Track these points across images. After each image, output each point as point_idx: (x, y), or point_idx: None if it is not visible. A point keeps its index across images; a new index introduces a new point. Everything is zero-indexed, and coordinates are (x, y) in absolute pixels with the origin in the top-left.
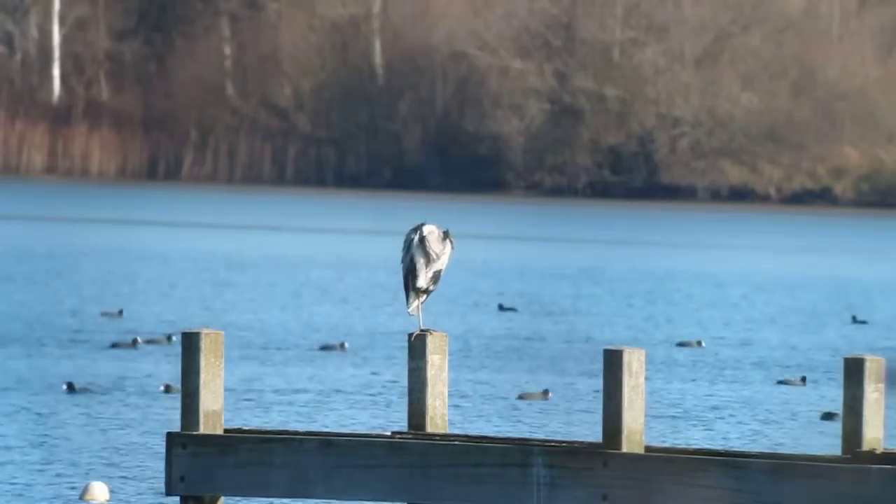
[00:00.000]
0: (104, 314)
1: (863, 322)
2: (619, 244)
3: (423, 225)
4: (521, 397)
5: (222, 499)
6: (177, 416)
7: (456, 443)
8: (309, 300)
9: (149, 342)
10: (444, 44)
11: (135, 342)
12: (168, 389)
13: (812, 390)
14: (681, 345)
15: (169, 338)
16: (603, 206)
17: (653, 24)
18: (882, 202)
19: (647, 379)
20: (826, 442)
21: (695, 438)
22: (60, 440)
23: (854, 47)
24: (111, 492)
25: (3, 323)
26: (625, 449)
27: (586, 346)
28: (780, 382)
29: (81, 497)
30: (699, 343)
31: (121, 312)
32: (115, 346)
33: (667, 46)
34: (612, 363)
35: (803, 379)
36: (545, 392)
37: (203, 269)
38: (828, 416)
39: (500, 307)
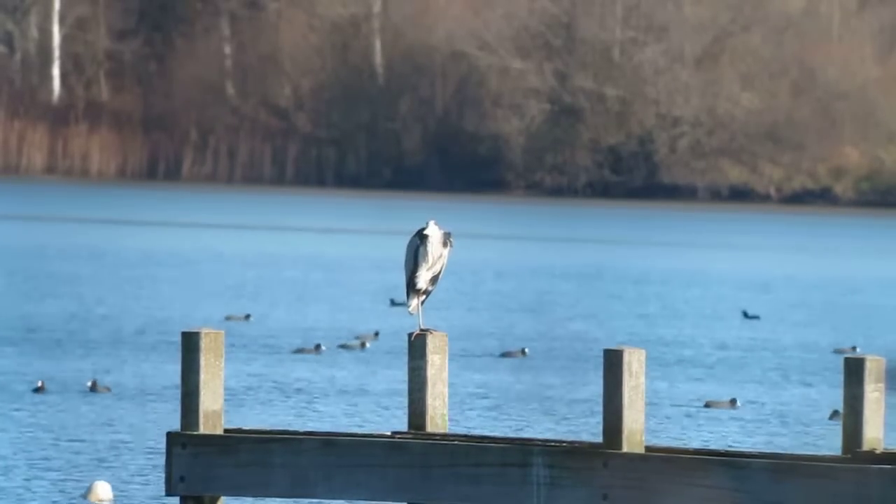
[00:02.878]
0: (230, 318)
1: (755, 317)
2: (619, 244)
3: (426, 227)
4: (707, 405)
5: (222, 499)
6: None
7: (456, 443)
8: (309, 300)
9: (342, 347)
10: (444, 44)
11: (318, 347)
12: (94, 387)
13: (808, 390)
14: (681, 344)
15: (363, 344)
16: (603, 206)
17: (653, 24)
18: (882, 202)
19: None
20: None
21: (695, 438)
22: (65, 439)
23: (854, 47)
24: (115, 491)
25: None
26: (625, 449)
27: (585, 346)
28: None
29: (85, 496)
30: (698, 343)
31: (248, 317)
32: (299, 351)
33: (667, 46)
34: (612, 363)
35: (523, 350)
36: (733, 401)
37: (204, 269)
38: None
39: (392, 302)
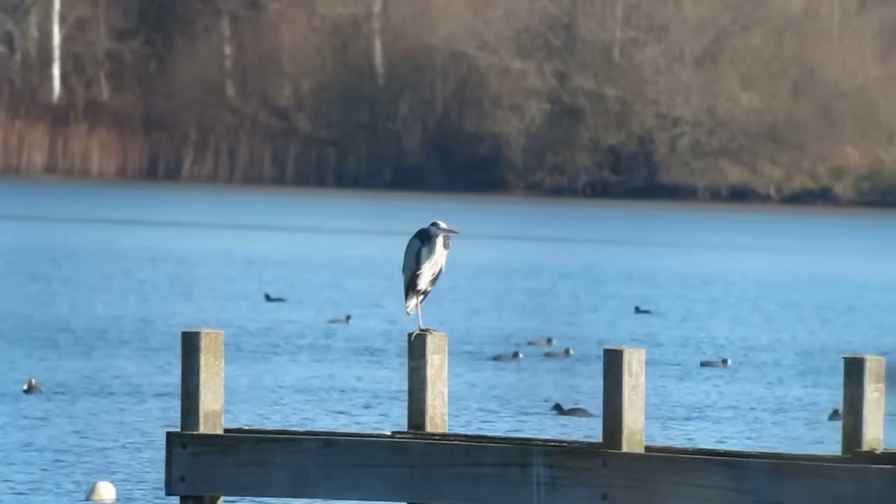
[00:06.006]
0: (332, 321)
1: (646, 312)
2: (619, 244)
3: (427, 228)
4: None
5: (222, 499)
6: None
7: (456, 443)
8: (308, 299)
9: (546, 355)
10: (444, 44)
11: (516, 355)
12: (30, 388)
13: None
14: (680, 346)
15: (567, 351)
16: (603, 206)
17: (653, 24)
18: (882, 202)
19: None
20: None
21: (695, 438)
22: (69, 439)
23: (854, 47)
24: (117, 492)
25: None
26: (625, 449)
27: (585, 346)
28: (702, 365)
29: (88, 497)
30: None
31: (348, 318)
32: (496, 358)
33: (667, 46)
34: (612, 363)
35: (724, 361)
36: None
37: (203, 269)
38: (835, 415)
39: (267, 297)
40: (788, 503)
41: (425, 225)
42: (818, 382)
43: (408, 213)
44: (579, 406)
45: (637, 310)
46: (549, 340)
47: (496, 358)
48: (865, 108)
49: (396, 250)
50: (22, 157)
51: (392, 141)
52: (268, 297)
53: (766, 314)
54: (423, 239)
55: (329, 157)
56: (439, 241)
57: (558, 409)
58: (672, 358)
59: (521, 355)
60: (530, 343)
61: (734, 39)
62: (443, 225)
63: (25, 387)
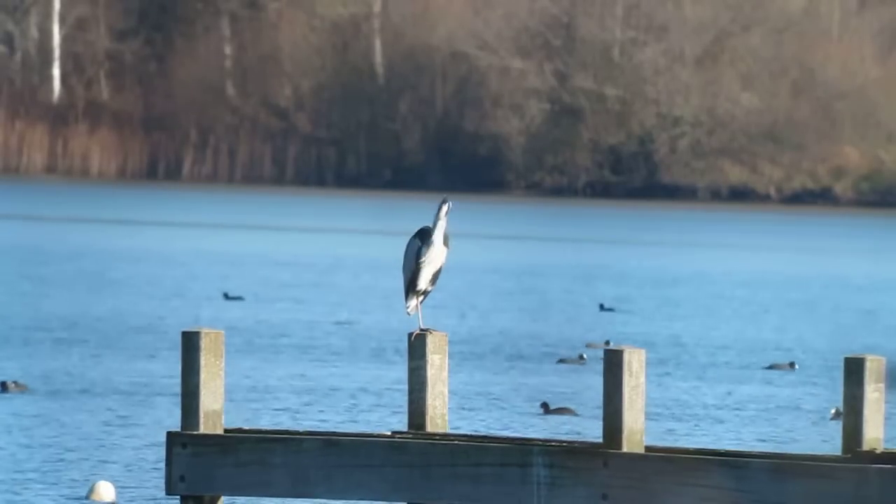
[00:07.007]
0: (332, 321)
1: (610, 310)
2: (619, 244)
3: (427, 227)
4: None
5: (222, 499)
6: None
7: (456, 442)
8: (308, 300)
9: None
10: (444, 44)
11: (581, 357)
12: (5, 387)
13: (810, 381)
14: (679, 344)
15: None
16: (603, 206)
17: (653, 24)
18: (882, 202)
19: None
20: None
21: (695, 438)
22: (69, 439)
23: (854, 47)
24: (117, 491)
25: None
26: (625, 449)
27: (585, 346)
28: (769, 368)
29: (88, 496)
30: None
31: (347, 319)
32: (562, 361)
33: (667, 46)
34: (613, 363)
35: (792, 364)
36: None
37: (204, 269)
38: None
39: (225, 296)
40: (788, 503)
41: (425, 224)
42: (817, 382)
43: (408, 212)
44: (566, 406)
45: (601, 307)
46: (608, 343)
47: (561, 361)
48: (865, 108)
49: (396, 250)
50: (22, 157)
51: (392, 141)
52: (226, 296)
53: (766, 314)
54: (423, 238)
55: (329, 157)
56: (439, 240)
57: (545, 408)
58: (668, 357)
59: (585, 357)
60: (588, 345)
61: (734, 39)
62: (443, 211)
63: (10, 384)
